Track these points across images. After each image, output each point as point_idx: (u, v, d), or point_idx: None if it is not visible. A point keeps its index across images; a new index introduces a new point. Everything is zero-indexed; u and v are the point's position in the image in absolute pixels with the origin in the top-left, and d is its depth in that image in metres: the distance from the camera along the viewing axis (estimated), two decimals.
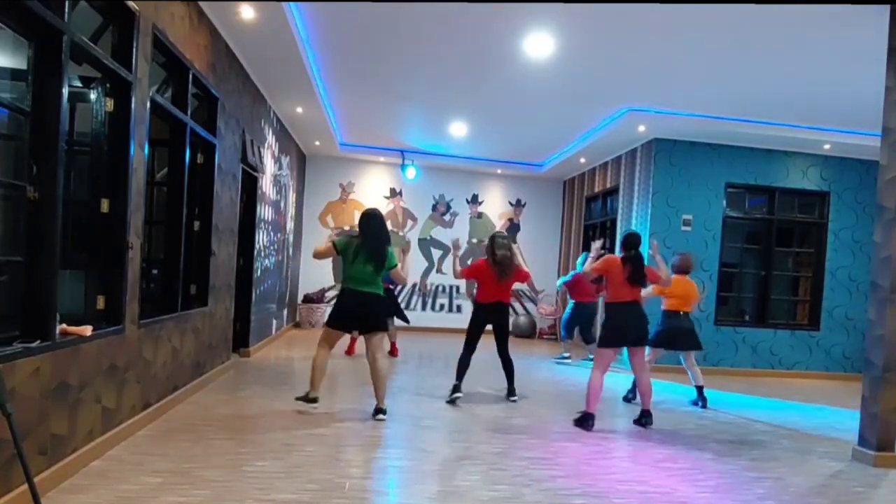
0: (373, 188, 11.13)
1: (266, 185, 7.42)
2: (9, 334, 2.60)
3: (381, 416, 4.55)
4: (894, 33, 4.18)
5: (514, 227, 11.60)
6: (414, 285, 11.24)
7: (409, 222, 11.28)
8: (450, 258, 11.34)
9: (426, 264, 11.33)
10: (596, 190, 9.93)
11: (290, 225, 9.38)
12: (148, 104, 3.75)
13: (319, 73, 6.59)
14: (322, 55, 6.07)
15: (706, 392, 5.80)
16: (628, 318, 4.78)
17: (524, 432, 4.47)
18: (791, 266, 8.71)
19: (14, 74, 2.92)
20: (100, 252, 3.42)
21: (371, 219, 4.61)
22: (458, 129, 8.74)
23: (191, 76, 4.45)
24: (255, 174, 6.82)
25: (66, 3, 2.74)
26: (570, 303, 8.04)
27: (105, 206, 3.40)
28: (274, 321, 8.41)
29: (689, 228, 7.88)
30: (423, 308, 11.33)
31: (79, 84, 3.35)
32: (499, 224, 11.56)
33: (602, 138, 8.17)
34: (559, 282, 8.86)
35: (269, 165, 7.60)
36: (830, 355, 8.30)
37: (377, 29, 5.30)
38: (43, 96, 2.67)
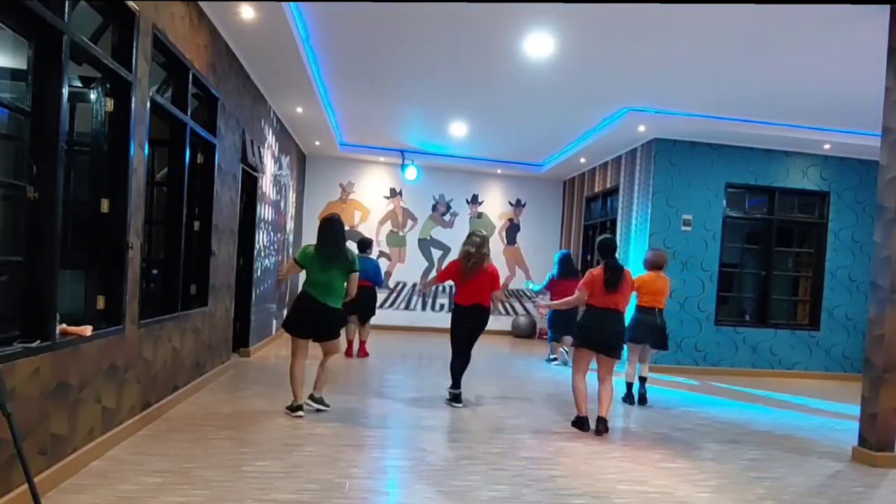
0: (373, 188, 11.14)
1: (266, 185, 7.42)
2: (9, 334, 2.60)
3: (311, 403, 4.60)
4: (894, 33, 4.18)
5: (513, 227, 11.60)
6: (414, 285, 11.24)
7: (409, 222, 11.28)
8: (450, 259, 11.35)
9: (426, 264, 11.33)
10: (596, 190, 9.93)
11: (290, 225, 9.38)
12: (148, 104, 3.75)
13: (319, 73, 6.59)
14: (322, 55, 6.07)
15: (630, 388, 5.85)
16: (598, 322, 4.63)
17: (524, 432, 4.47)
18: (791, 266, 8.72)
19: (14, 74, 2.92)
20: (100, 252, 3.42)
21: (323, 223, 4.63)
22: (458, 129, 8.74)
23: (191, 76, 4.45)
24: (255, 174, 6.82)
25: (66, 3, 2.74)
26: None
27: (105, 206, 3.40)
28: (274, 321, 8.41)
29: (689, 228, 7.88)
30: (423, 308, 11.33)
31: (79, 84, 3.35)
32: (499, 224, 11.56)
33: (602, 138, 8.17)
34: (536, 287, 8.84)
35: (269, 165, 7.60)
36: (830, 355, 8.30)
37: (377, 29, 5.30)
38: (43, 96, 2.67)
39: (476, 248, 5.24)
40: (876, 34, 4.38)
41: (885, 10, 4.19)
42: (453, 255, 11.27)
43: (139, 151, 3.62)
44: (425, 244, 11.34)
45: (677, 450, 4.26)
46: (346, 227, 10.64)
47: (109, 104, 3.39)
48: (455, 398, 5.23)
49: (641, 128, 7.55)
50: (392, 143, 9.98)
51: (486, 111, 7.78)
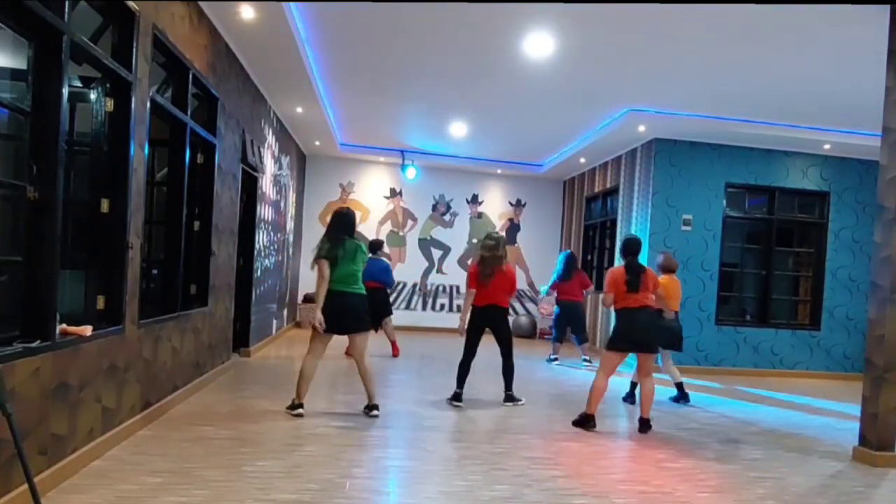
0: (373, 188, 11.13)
1: (266, 185, 7.42)
2: (9, 334, 2.60)
3: (374, 413, 4.57)
4: (894, 33, 4.18)
5: (514, 227, 11.60)
6: (414, 285, 11.25)
7: (409, 222, 11.28)
8: (450, 259, 11.35)
9: (426, 264, 11.33)
10: (596, 190, 9.93)
11: (290, 225, 9.38)
12: (148, 104, 3.75)
13: (319, 73, 6.59)
14: (322, 55, 6.07)
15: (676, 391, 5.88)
16: (632, 322, 4.67)
17: (525, 432, 4.47)
18: (791, 266, 8.72)
19: (14, 74, 2.92)
20: (100, 252, 3.42)
21: (334, 216, 4.66)
22: (458, 129, 8.74)
23: (191, 76, 4.45)
24: (255, 174, 6.82)
25: (66, 3, 2.74)
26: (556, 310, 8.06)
27: (105, 206, 3.40)
28: (274, 321, 8.41)
29: (689, 228, 7.88)
30: (424, 308, 11.33)
31: (79, 84, 3.35)
32: (499, 224, 11.55)
33: (602, 138, 8.17)
34: (543, 290, 8.84)
35: (269, 165, 7.60)
36: (831, 355, 8.30)
37: (377, 29, 5.30)
38: (43, 96, 2.67)
39: (490, 252, 5.27)
40: (876, 34, 4.37)
41: (885, 10, 4.19)
42: (453, 256, 11.38)
43: (139, 151, 3.62)
44: (425, 244, 11.34)
45: (679, 450, 4.25)
46: None
47: (109, 104, 3.39)
48: (455, 397, 5.24)
49: (641, 128, 7.54)
50: (392, 143, 9.98)
51: (486, 111, 7.78)
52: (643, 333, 4.67)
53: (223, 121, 5.36)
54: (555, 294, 8.07)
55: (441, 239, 11.38)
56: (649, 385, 4.76)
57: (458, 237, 11.44)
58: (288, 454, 3.58)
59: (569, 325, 8.17)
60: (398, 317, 11.05)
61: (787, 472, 3.89)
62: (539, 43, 5.32)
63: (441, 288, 11.30)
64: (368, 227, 11.00)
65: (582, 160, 9.73)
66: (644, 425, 4.68)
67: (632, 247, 4.78)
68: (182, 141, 4.41)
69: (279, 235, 8.47)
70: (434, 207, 11.36)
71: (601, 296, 4.92)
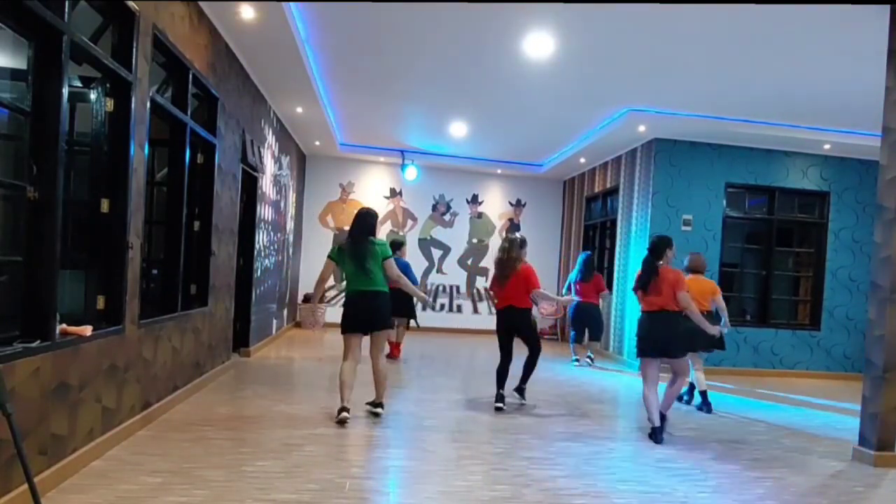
0: (373, 188, 11.13)
1: (266, 185, 7.42)
2: (9, 334, 2.60)
3: (377, 410, 4.57)
4: (894, 33, 4.18)
5: (513, 227, 11.59)
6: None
7: (409, 222, 11.28)
8: (450, 259, 11.35)
9: (426, 264, 11.33)
10: (596, 190, 9.93)
11: (290, 225, 9.38)
12: (148, 104, 3.75)
13: (319, 73, 6.59)
14: (322, 55, 6.07)
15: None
16: (647, 326, 4.59)
17: (525, 432, 4.47)
18: (791, 266, 8.72)
19: (14, 74, 2.92)
20: (100, 252, 3.42)
21: (354, 217, 4.66)
22: (458, 129, 8.74)
23: (191, 76, 4.45)
24: (255, 174, 6.82)
25: (66, 3, 2.74)
26: (575, 300, 7.95)
27: (105, 206, 3.40)
28: (274, 321, 8.41)
29: (689, 228, 7.87)
30: (424, 308, 11.29)
31: (79, 84, 3.35)
32: (499, 224, 11.55)
33: (602, 138, 8.17)
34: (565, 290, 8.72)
35: (269, 165, 7.60)
36: (831, 355, 8.30)
37: (377, 29, 5.30)
38: (43, 96, 2.67)
39: (505, 253, 5.38)
40: (876, 34, 4.37)
41: (885, 10, 4.19)
42: (453, 256, 11.38)
43: (139, 151, 3.62)
44: (425, 244, 11.34)
45: (678, 449, 4.25)
46: (347, 228, 10.79)
47: (109, 104, 3.39)
48: (496, 398, 5.24)
49: (641, 128, 7.54)
50: (392, 143, 9.98)
51: (486, 111, 7.78)
52: (657, 337, 4.53)
53: (223, 121, 5.36)
54: (573, 294, 7.99)
55: (441, 239, 11.38)
56: (677, 384, 4.68)
57: (458, 237, 11.44)
58: (288, 454, 3.58)
59: (586, 327, 8.12)
60: None
61: (787, 472, 3.89)
62: (539, 43, 5.32)
63: (441, 288, 11.30)
64: None
65: (582, 160, 9.73)
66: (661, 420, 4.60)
67: (650, 245, 4.71)
68: (182, 141, 4.41)
69: (279, 235, 8.47)
70: (434, 207, 11.36)
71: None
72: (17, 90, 2.82)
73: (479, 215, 11.52)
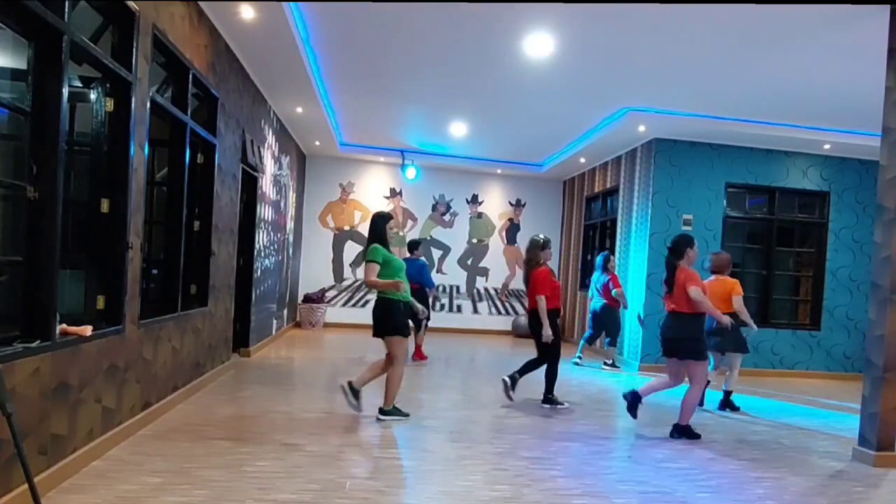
0: (373, 188, 11.13)
1: (266, 185, 7.42)
2: (9, 334, 2.60)
3: (380, 416, 4.55)
4: (894, 33, 4.17)
5: (513, 227, 11.60)
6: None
7: (410, 222, 11.28)
8: (450, 259, 11.35)
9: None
10: (596, 190, 9.93)
11: (290, 225, 9.38)
12: (148, 104, 3.75)
13: (319, 73, 6.59)
14: (322, 55, 6.07)
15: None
16: (662, 327, 4.73)
17: (525, 432, 4.47)
18: (792, 266, 8.72)
19: (14, 74, 2.92)
20: (100, 252, 3.42)
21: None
22: (458, 129, 8.74)
23: (191, 76, 4.45)
24: (255, 174, 6.82)
25: (66, 3, 2.74)
26: (602, 302, 7.90)
27: (105, 206, 3.40)
28: (274, 321, 8.41)
29: (689, 228, 7.87)
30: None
31: (79, 84, 3.35)
32: (499, 224, 11.55)
33: (602, 138, 8.17)
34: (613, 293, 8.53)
35: (269, 165, 7.60)
36: (831, 355, 8.30)
37: (377, 29, 5.30)
38: (43, 96, 2.67)
39: (526, 254, 5.60)
40: (876, 34, 4.37)
41: (885, 10, 4.19)
42: (453, 255, 11.38)
43: (139, 151, 3.62)
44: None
45: (678, 449, 4.25)
46: (347, 228, 10.82)
47: (109, 104, 3.39)
48: (551, 400, 5.37)
49: (641, 128, 7.54)
50: (392, 143, 9.98)
51: (486, 111, 7.78)
52: (665, 337, 4.66)
53: (223, 121, 5.36)
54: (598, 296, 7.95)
55: (441, 239, 11.38)
56: (691, 393, 4.58)
57: (458, 237, 11.44)
58: (288, 454, 3.58)
59: (605, 331, 8.08)
60: None
61: (786, 472, 3.89)
62: (539, 43, 5.32)
63: (441, 288, 11.30)
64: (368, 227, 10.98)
65: (582, 160, 9.73)
66: (672, 430, 4.60)
67: (670, 244, 4.73)
68: (182, 141, 4.41)
69: (279, 235, 8.47)
70: (434, 207, 11.36)
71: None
72: (17, 90, 2.82)
73: (479, 215, 11.52)
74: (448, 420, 4.74)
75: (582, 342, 8.31)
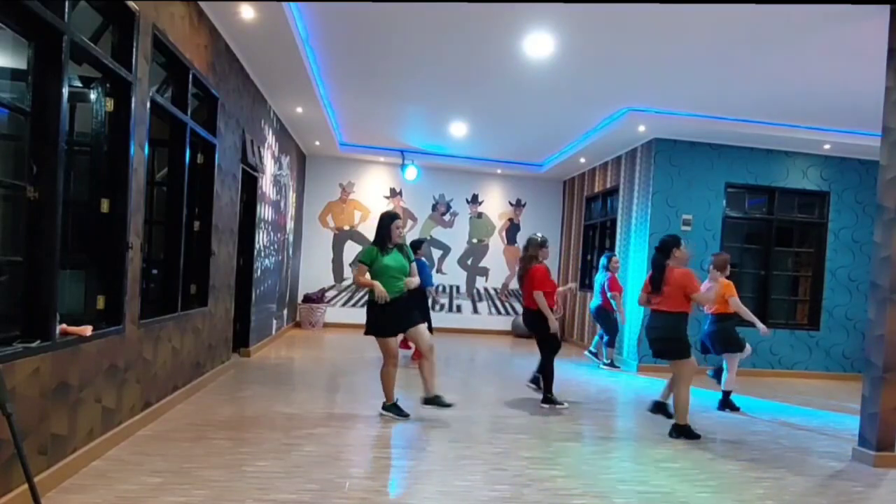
0: (373, 188, 11.13)
1: (266, 185, 7.42)
2: (9, 334, 2.60)
3: (381, 411, 4.63)
4: (894, 33, 4.18)
5: (514, 227, 11.60)
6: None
7: (410, 222, 11.27)
8: (450, 259, 11.35)
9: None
10: (596, 190, 9.93)
11: (290, 225, 9.38)
12: (148, 104, 3.75)
13: (319, 73, 6.59)
14: (322, 55, 6.07)
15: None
16: (646, 327, 4.80)
17: (524, 432, 4.47)
18: (791, 266, 8.72)
19: (14, 74, 2.92)
20: (100, 252, 3.42)
21: None
22: (458, 129, 8.74)
23: (191, 76, 4.45)
24: (255, 174, 6.82)
25: (66, 3, 2.74)
26: (598, 302, 7.95)
27: (105, 206, 3.40)
28: (274, 321, 8.41)
29: (689, 228, 7.87)
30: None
31: (79, 84, 3.35)
32: (499, 224, 11.55)
33: (602, 138, 8.17)
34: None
35: (269, 165, 7.60)
36: (830, 355, 8.30)
37: (377, 29, 5.30)
38: (43, 96, 2.67)
39: (523, 255, 5.59)
40: (876, 34, 4.38)
41: (885, 10, 4.19)
42: (453, 255, 11.38)
43: (139, 151, 3.62)
44: (425, 244, 11.32)
45: (678, 449, 4.26)
46: (347, 228, 10.82)
47: (109, 104, 3.39)
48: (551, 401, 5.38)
49: (641, 128, 7.55)
50: (392, 143, 9.98)
51: (486, 111, 7.78)
52: (651, 338, 4.72)
53: (223, 121, 5.36)
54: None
55: (441, 239, 11.38)
56: (679, 394, 4.60)
57: (457, 237, 11.44)
58: (287, 454, 3.59)
59: (603, 329, 8.10)
60: None
61: (786, 473, 3.89)
62: (539, 43, 5.32)
63: (441, 288, 11.30)
64: (368, 227, 10.98)
65: (582, 160, 9.73)
66: (671, 430, 4.59)
67: (658, 244, 4.77)
68: (182, 141, 4.41)
69: (279, 235, 8.47)
70: (434, 207, 11.36)
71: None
72: (17, 90, 2.82)
73: (479, 215, 11.52)
74: (447, 420, 4.74)
75: (596, 339, 8.31)
